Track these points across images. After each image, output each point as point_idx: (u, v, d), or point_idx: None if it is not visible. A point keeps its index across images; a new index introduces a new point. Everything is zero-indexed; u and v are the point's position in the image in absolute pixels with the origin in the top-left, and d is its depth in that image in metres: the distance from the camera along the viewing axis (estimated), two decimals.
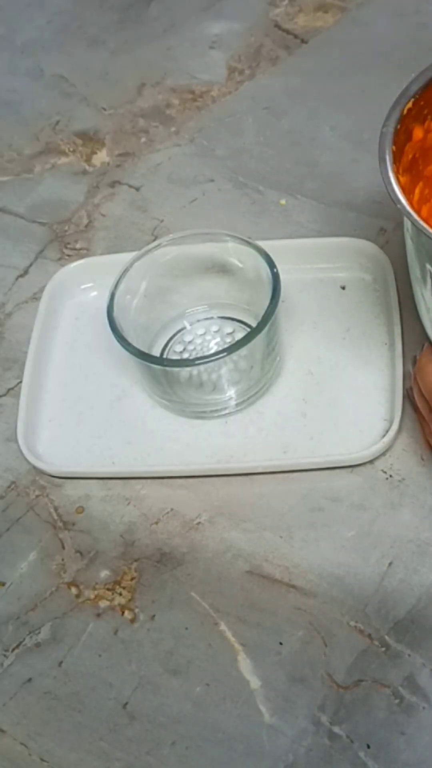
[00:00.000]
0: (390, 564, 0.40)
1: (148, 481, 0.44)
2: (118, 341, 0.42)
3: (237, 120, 0.60)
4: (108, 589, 0.41)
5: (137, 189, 0.58)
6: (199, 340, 0.48)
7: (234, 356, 0.41)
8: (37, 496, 0.45)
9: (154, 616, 0.40)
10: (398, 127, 0.39)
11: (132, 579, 0.42)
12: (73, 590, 0.42)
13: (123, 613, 0.41)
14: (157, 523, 0.43)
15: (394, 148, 0.39)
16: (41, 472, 0.45)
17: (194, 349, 0.48)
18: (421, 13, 0.63)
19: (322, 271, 0.50)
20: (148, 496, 0.44)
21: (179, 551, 0.42)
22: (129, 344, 0.42)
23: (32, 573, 0.43)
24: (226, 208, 0.55)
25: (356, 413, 0.44)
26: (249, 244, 0.44)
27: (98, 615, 0.41)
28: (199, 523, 0.43)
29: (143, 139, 0.60)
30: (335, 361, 0.47)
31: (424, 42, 0.60)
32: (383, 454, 0.43)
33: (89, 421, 0.47)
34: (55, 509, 0.44)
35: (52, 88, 0.66)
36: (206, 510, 0.43)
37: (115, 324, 0.43)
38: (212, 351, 0.46)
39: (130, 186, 0.58)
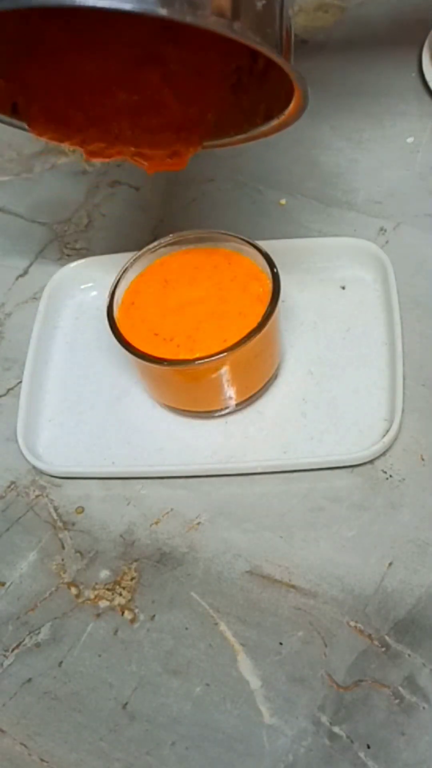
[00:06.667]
0: (390, 564, 0.40)
1: (148, 481, 0.44)
2: (118, 341, 0.42)
3: None
4: (108, 589, 0.41)
5: (137, 189, 0.58)
6: None
7: (234, 356, 0.41)
8: (37, 496, 0.45)
9: (154, 616, 0.40)
10: None
11: (132, 579, 0.42)
12: (73, 590, 0.42)
13: (123, 613, 0.41)
14: (157, 523, 0.43)
15: None
16: (41, 472, 0.45)
17: None
18: (421, 12, 0.63)
19: (322, 271, 0.50)
20: (148, 496, 0.44)
21: (179, 551, 0.42)
22: (129, 344, 0.42)
23: (32, 573, 0.43)
24: (226, 208, 0.55)
25: (356, 413, 0.44)
26: (249, 244, 0.44)
27: (98, 615, 0.41)
28: (199, 523, 0.43)
29: None
30: (335, 361, 0.47)
31: (423, 41, 0.60)
32: (383, 454, 0.43)
33: (89, 421, 0.47)
34: (55, 509, 0.44)
35: None
36: (206, 510, 0.43)
37: (115, 324, 0.43)
38: None
39: (130, 186, 0.58)
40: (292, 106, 0.36)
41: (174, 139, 0.41)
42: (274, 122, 0.38)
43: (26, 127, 0.41)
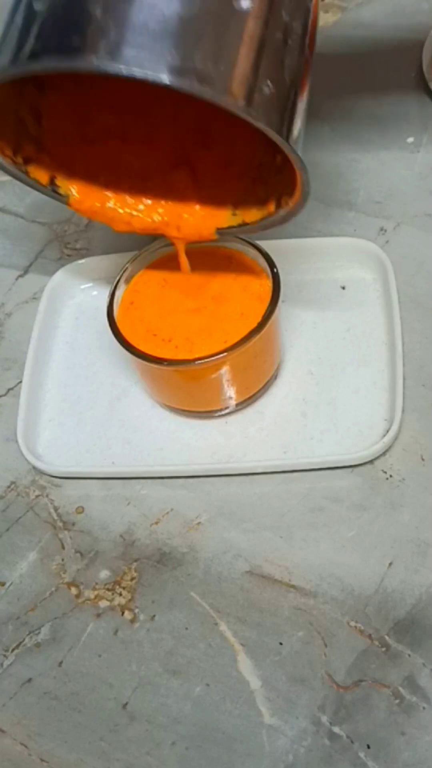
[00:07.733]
0: (390, 564, 0.40)
1: (148, 481, 0.44)
2: (118, 341, 0.42)
3: None
4: (108, 589, 0.41)
5: None
6: None
7: (234, 356, 0.41)
8: (37, 496, 0.45)
9: (154, 616, 0.40)
10: None
11: (132, 579, 0.42)
12: (73, 590, 0.42)
13: (123, 613, 0.41)
14: (157, 523, 0.43)
15: None
16: (41, 472, 0.45)
17: None
18: (421, 13, 0.63)
19: (322, 271, 0.50)
20: (148, 496, 0.44)
21: (179, 551, 0.42)
22: (129, 344, 0.42)
23: (32, 573, 0.43)
24: None
25: (356, 413, 0.44)
26: (249, 244, 0.44)
27: (98, 615, 0.41)
28: (199, 523, 0.43)
29: None
30: (335, 361, 0.47)
31: (423, 41, 0.60)
32: (383, 454, 0.43)
33: (89, 421, 0.47)
34: (55, 509, 0.44)
35: None
36: (206, 510, 0.43)
37: (115, 324, 0.43)
38: None
39: None
40: (296, 194, 0.37)
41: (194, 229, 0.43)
42: (282, 212, 0.39)
43: (63, 201, 0.42)
